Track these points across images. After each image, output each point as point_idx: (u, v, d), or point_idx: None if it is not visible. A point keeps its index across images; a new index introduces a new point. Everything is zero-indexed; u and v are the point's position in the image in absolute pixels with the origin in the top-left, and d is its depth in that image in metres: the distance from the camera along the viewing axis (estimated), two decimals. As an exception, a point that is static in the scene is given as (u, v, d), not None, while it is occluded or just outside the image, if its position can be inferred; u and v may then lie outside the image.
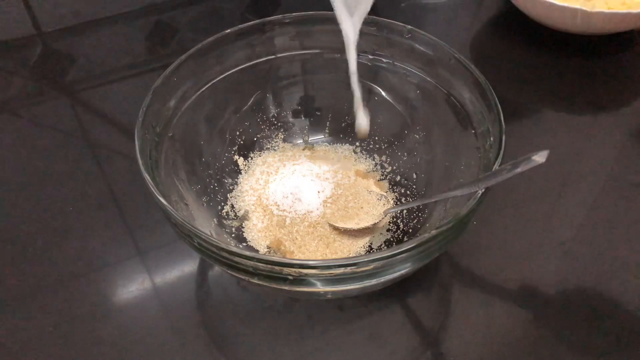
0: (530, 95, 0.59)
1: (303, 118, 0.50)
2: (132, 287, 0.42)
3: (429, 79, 0.44)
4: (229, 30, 0.43)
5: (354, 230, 0.43)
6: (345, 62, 0.41)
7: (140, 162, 0.35)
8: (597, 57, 0.62)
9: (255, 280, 0.33)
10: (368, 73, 0.46)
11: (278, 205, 0.45)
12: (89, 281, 0.43)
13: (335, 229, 0.43)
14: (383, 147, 0.49)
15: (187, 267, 0.44)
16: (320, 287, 0.32)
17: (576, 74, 0.60)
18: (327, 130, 0.50)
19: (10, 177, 0.51)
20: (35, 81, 0.61)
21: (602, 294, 0.42)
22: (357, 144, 0.49)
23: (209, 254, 0.32)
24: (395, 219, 0.45)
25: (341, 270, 0.30)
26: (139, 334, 0.40)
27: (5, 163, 0.52)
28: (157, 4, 0.70)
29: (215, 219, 0.43)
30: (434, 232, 0.31)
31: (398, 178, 0.47)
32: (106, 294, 0.42)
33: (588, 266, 0.43)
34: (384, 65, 0.46)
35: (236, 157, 0.47)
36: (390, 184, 0.47)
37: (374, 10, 0.40)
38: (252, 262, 0.31)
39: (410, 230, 0.43)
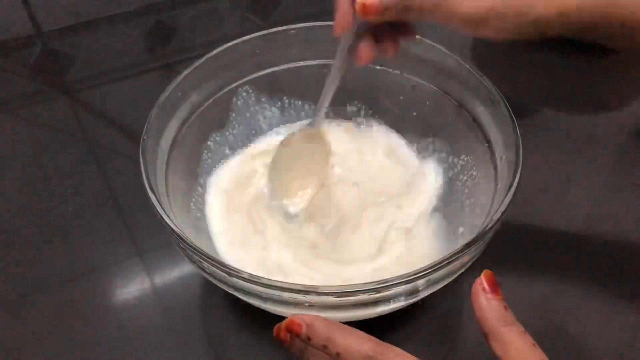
0: (530, 95, 0.59)
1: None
2: (132, 288, 0.42)
3: (438, 89, 0.43)
4: (231, 43, 0.43)
5: None
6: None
7: (146, 183, 0.34)
8: (597, 56, 0.62)
9: (267, 306, 0.32)
10: (376, 84, 0.46)
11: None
12: (89, 281, 0.43)
13: None
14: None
15: (187, 267, 0.43)
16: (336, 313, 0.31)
17: (576, 73, 0.60)
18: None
19: (9, 177, 0.51)
20: (34, 81, 0.61)
21: (602, 294, 0.42)
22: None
23: (219, 279, 0.32)
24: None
25: (360, 296, 0.29)
26: (139, 334, 0.40)
27: (4, 163, 0.52)
28: (157, 4, 0.70)
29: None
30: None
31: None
32: (106, 294, 0.42)
33: (588, 266, 0.43)
34: (392, 76, 0.45)
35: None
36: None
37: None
38: (264, 289, 0.30)
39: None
